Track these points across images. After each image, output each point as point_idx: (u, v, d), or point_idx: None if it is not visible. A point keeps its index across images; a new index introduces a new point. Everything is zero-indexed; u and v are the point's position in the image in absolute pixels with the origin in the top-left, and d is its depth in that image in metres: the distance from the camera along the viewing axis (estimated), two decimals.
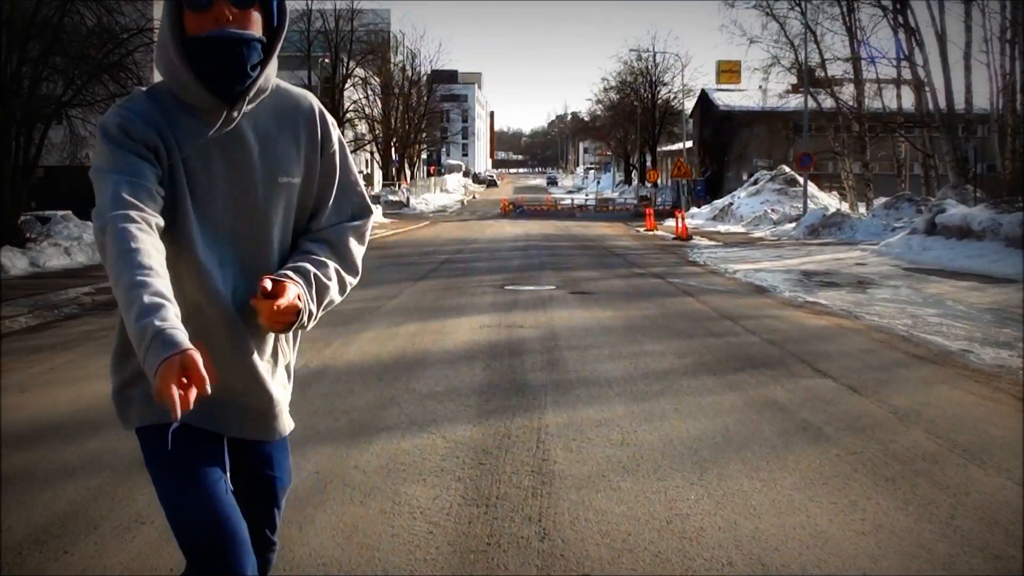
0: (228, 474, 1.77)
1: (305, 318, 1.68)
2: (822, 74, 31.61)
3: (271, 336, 1.79)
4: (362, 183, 1.91)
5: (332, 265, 1.77)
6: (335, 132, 1.85)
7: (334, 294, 1.77)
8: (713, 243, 23.27)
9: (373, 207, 1.90)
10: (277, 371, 1.84)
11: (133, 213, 1.52)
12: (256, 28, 1.68)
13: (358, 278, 1.86)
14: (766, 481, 3.98)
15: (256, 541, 1.83)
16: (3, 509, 3.61)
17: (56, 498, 3.76)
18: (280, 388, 1.84)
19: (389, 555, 3.19)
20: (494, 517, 3.55)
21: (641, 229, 30.39)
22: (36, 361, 6.98)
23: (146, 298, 1.41)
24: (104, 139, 1.62)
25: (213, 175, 1.69)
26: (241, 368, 1.75)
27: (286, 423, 1.88)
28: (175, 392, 1.32)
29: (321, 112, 1.83)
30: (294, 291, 1.64)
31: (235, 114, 1.69)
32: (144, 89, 1.73)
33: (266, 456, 1.88)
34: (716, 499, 3.74)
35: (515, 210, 46.52)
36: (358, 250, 1.85)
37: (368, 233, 1.87)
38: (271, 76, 1.75)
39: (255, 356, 1.76)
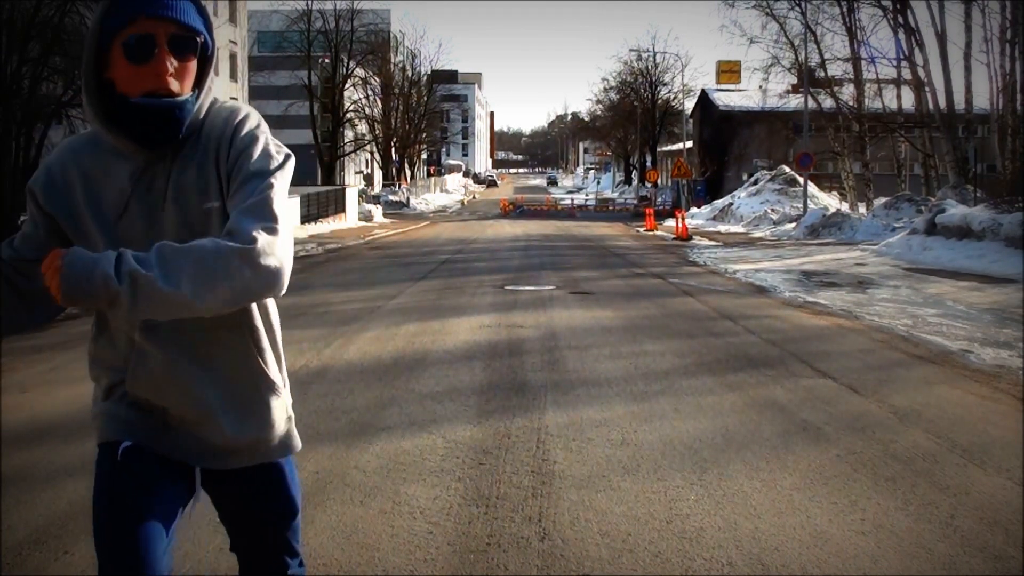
0: (189, 503, 1.76)
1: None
2: (822, 74, 31.59)
3: (229, 369, 1.73)
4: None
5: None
6: (251, 142, 1.67)
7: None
8: (713, 243, 23.27)
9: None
10: (246, 401, 1.75)
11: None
12: (191, 75, 1.64)
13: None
14: (766, 481, 3.98)
15: (269, 570, 1.86)
16: (3, 509, 3.61)
17: (56, 498, 3.76)
18: (238, 422, 1.74)
19: (389, 555, 3.20)
20: (494, 517, 3.55)
21: (641, 229, 30.38)
22: (36, 361, 6.98)
23: None
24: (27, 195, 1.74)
25: (138, 212, 1.65)
26: (189, 401, 1.70)
27: (267, 451, 1.79)
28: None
29: (228, 130, 1.67)
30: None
31: (160, 163, 1.65)
32: (83, 137, 1.74)
33: (263, 481, 1.81)
34: (716, 499, 3.74)
35: (515, 210, 46.52)
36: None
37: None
38: (202, 110, 1.68)
39: (203, 390, 1.70)
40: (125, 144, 1.64)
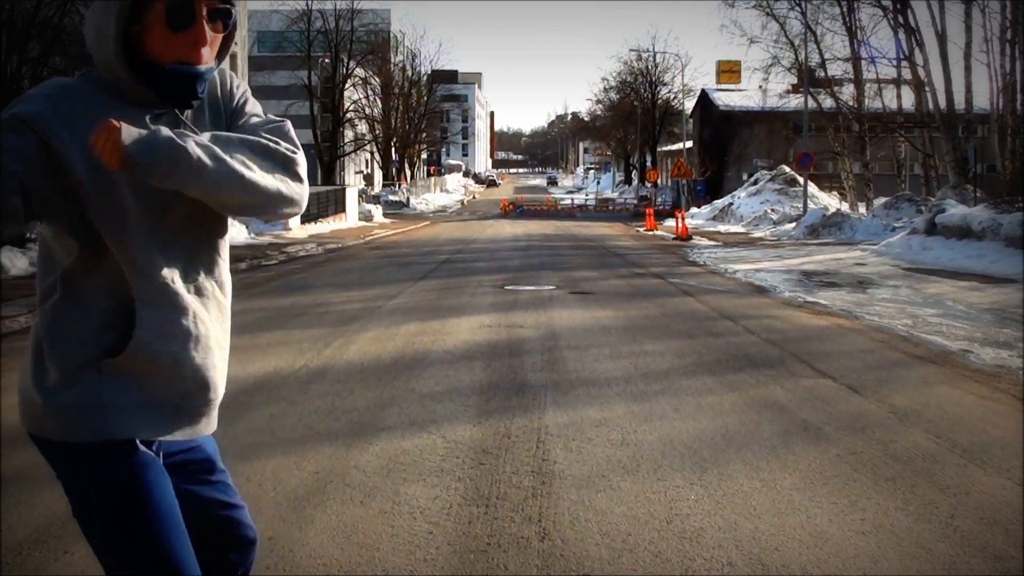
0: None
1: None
2: (822, 74, 31.63)
3: (225, 323, 1.74)
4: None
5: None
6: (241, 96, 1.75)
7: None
8: (713, 243, 23.27)
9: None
10: (224, 354, 1.75)
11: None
12: (218, 44, 1.65)
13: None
14: (766, 481, 3.98)
15: (219, 515, 1.79)
16: (3, 509, 3.61)
17: (56, 498, 3.74)
18: (223, 377, 1.75)
19: (389, 555, 3.20)
20: (494, 517, 3.55)
21: (641, 229, 30.39)
22: None
23: None
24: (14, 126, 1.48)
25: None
26: (203, 362, 1.66)
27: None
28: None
29: (224, 82, 1.75)
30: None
31: (171, 111, 1.64)
32: (74, 80, 1.61)
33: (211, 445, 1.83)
34: (716, 499, 3.74)
35: (515, 210, 46.54)
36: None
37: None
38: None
39: (216, 346, 1.69)
40: (143, 96, 1.60)
